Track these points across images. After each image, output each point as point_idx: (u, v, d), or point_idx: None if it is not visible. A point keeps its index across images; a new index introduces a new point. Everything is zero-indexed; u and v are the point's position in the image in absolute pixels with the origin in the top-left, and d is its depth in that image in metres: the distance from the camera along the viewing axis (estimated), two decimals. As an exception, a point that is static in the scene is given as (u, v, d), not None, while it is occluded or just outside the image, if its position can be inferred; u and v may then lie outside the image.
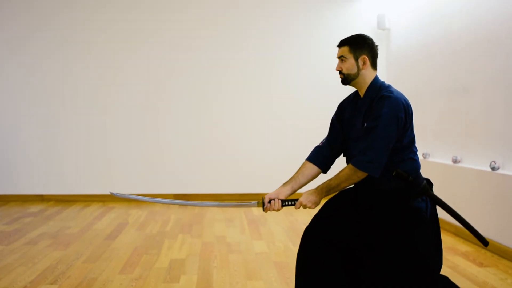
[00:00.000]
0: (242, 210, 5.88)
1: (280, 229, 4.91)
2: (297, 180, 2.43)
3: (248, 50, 6.58)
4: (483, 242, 2.33)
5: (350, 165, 2.22)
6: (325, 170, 2.48)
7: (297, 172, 2.45)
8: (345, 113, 2.44)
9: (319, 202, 2.29)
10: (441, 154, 4.94)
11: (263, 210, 2.39)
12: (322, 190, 2.26)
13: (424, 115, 5.26)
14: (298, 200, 2.29)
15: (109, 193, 6.42)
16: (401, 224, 2.19)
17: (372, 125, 2.18)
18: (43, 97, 6.51)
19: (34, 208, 6.04)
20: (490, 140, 4.17)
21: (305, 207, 2.27)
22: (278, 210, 2.36)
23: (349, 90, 2.66)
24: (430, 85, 5.23)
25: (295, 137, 6.51)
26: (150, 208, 6.04)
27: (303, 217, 5.45)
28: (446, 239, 4.35)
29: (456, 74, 4.70)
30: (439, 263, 2.24)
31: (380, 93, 2.25)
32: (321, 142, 2.51)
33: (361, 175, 2.20)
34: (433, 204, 2.28)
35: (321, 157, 2.46)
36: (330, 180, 2.26)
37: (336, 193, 2.40)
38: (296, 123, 6.58)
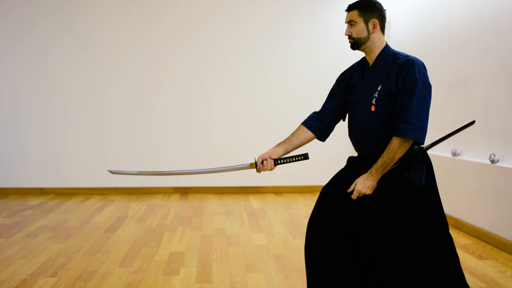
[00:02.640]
0: (242, 204, 5.88)
1: (280, 222, 4.91)
2: (291, 142, 2.42)
3: (246, 45, 6.55)
4: (470, 123, 2.26)
5: (396, 137, 2.13)
6: (319, 136, 2.46)
7: (292, 134, 2.44)
8: (350, 79, 2.40)
9: (376, 185, 2.16)
10: (440, 147, 4.93)
11: (257, 171, 2.39)
12: (378, 171, 2.13)
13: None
14: (355, 189, 2.15)
15: (108, 187, 6.48)
16: (397, 200, 2.17)
17: (409, 90, 2.14)
18: (41, 90, 6.49)
19: (34, 201, 6.05)
20: (489, 133, 4.17)
21: (361, 194, 2.16)
22: (271, 169, 2.36)
23: None
24: (430, 78, 5.19)
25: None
26: (149, 201, 6.04)
27: (303, 209, 5.46)
28: (446, 232, 4.35)
29: (457, 67, 4.69)
30: (443, 234, 2.19)
31: (398, 58, 2.22)
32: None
33: (409, 144, 2.13)
34: (429, 176, 2.24)
35: (316, 123, 2.45)
36: (382, 158, 2.14)
37: (331, 180, 2.39)
38: (295, 118, 6.51)
